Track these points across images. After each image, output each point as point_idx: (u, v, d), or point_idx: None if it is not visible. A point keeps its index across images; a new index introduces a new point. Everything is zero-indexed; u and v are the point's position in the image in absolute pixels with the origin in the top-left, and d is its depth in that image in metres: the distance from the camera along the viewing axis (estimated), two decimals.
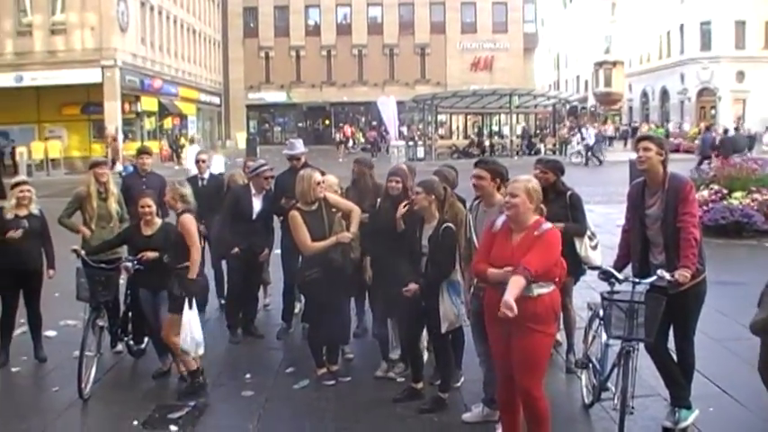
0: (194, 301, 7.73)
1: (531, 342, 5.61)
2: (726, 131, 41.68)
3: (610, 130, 65.42)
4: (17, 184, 8.89)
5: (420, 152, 47.62)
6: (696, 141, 41.77)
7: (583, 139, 44.46)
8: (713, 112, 69.24)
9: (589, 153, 42.62)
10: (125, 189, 10.29)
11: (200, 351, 7.75)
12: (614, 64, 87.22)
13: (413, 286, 7.07)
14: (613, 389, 6.42)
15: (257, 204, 9.49)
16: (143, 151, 11.11)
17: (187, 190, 8.08)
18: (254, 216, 9.46)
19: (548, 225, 5.71)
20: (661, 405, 6.94)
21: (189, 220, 7.79)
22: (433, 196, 7.06)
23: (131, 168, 14.23)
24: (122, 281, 8.80)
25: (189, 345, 7.62)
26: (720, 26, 67.61)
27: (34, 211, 8.83)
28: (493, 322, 5.82)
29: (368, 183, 9.11)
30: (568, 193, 8.05)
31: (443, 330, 7.05)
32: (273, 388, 7.97)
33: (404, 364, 8.10)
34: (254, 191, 9.53)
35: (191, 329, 7.60)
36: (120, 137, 43.00)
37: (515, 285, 5.32)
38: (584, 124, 50.28)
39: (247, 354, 8.27)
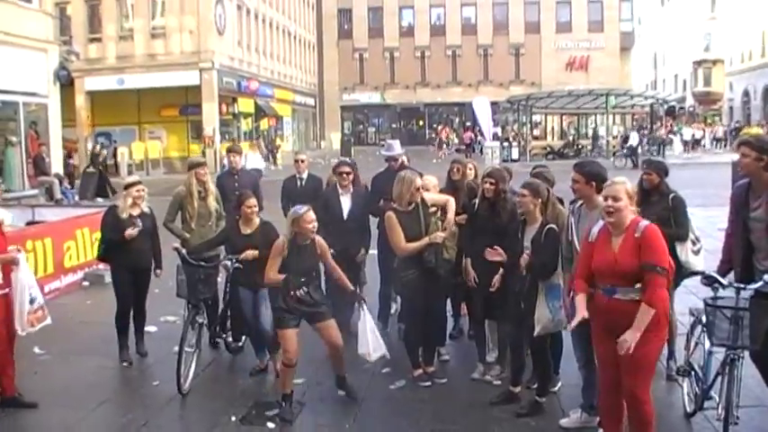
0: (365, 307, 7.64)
1: (642, 345, 5.47)
2: None
3: (720, 131, 63.53)
4: (132, 184, 9.08)
5: (514, 153, 47.30)
6: None
7: (626, 142, 44.05)
8: None
9: (633, 156, 41.86)
10: (219, 188, 10.42)
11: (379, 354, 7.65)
12: (714, 62, 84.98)
13: (494, 252, 7.12)
14: (717, 398, 6.22)
15: (346, 204, 9.52)
16: (232, 150, 11.28)
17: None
18: (345, 216, 9.48)
19: (645, 222, 5.62)
20: (767, 416, 6.72)
21: (321, 241, 7.65)
22: (539, 199, 7.01)
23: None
24: (221, 279, 8.94)
25: (384, 349, 7.62)
26: None
27: (146, 209, 9.06)
28: (600, 326, 5.73)
29: (464, 183, 9.09)
30: (671, 195, 7.86)
31: (536, 333, 6.96)
32: (369, 388, 8.00)
33: (500, 366, 8.04)
34: (341, 191, 9.56)
35: (375, 335, 7.57)
36: (218, 138, 43.79)
37: (643, 320, 5.36)
38: (634, 128, 49.18)
39: (344, 353, 8.25)
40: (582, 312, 5.66)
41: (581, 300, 5.74)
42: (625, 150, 43.66)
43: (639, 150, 43.48)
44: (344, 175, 9.53)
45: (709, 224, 13.77)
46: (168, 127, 45.60)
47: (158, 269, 9.13)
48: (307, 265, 7.42)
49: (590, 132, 56.22)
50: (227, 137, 46.22)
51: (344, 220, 9.45)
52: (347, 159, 9.96)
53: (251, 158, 31.30)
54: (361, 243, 9.74)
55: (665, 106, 60.64)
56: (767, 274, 5.83)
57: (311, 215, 7.34)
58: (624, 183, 5.71)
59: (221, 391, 8.02)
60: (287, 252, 7.35)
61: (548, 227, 6.92)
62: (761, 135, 8.72)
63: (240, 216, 8.42)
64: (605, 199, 5.67)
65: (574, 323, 5.75)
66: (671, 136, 53.79)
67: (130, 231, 8.69)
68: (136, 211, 8.92)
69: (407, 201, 7.85)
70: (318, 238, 7.54)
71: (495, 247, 7.25)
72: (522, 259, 7.05)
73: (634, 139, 43.32)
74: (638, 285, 5.48)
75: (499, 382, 7.85)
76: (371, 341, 7.41)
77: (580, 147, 51.03)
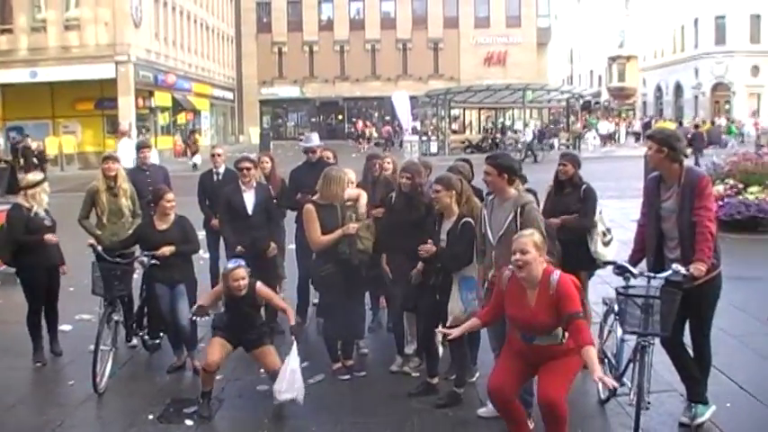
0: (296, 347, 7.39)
1: (563, 368, 5.61)
2: (697, 126, 43.04)
3: (637, 125, 64.82)
4: (41, 182, 8.85)
5: (433, 147, 47.63)
6: None
7: (521, 135, 45.11)
8: (727, 106, 69.15)
9: (528, 150, 42.75)
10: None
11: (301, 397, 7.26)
12: (628, 58, 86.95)
13: (428, 246, 7.12)
14: (629, 384, 6.41)
15: (250, 199, 9.25)
16: (142, 145, 11.14)
17: None
18: (250, 212, 9.23)
19: (556, 275, 5.62)
20: (677, 401, 6.91)
21: (264, 287, 7.51)
22: (453, 192, 7.07)
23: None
24: (137, 275, 8.82)
25: (300, 394, 7.19)
26: (735, 20, 67.50)
27: (46, 206, 8.81)
28: (514, 331, 5.85)
29: (380, 178, 9.15)
30: (583, 186, 8.07)
31: (448, 324, 7.01)
32: None
33: (419, 358, 8.09)
34: (243, 187, 9.31)
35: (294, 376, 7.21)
36: (134, 132, 43.07)
37: (593, 359, 5.37)
38: (528, 123, 50.31)
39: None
40: (464, 329, 6.17)
41: (473, 323, 6.19)
42: (519, 145, 44.33)
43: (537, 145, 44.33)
44: (245, 171, 9.26)
45: (622, 215, 14.11)
46: (83, 121, 44.67)
47: (62, 265, 8.91)
48: (247, 314, 7.35)
49: (515, 126, 56.81)
50: (143, 131, 45.52)
51: (249, 215, 9.20)
52: (259, 154, 9.84)
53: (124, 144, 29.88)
54: (268, 237, 9.46)
55: (581, 101, 61.81)
56: (676, 263, 6.00)
57: (239, 273, 7.20)
58: (532, 234, 5.71)
59: (138, 389, 7.91)
60: (224, 298, 7.35)
61: (464, 220, 6.99)
62: (664, 128, 8.99)
63: (155, 211, 8.31)
64: (513, 253, 5.65)
65: (454, 335, 6.14)
66: (585, 130, 54.81)
67: (50, 237, 8.50)
68: (42, 209, 8.69)
69: (339, 200, 7.87)
70: (259, 286, 7.40)
71: (429, 241, 7.28)
72: (423, 248, 7.13)
73: (528, 135, 44.07)
74: (554, 332, 5.58)
75: (418, 374, 7.90)
76: (287, 381, 7.10)
77: (497, 140, 51.61)
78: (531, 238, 5.63)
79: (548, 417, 5.54)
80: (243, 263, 7.34)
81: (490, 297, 6.32)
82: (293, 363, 7.14)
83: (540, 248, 5.61)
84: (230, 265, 7.32)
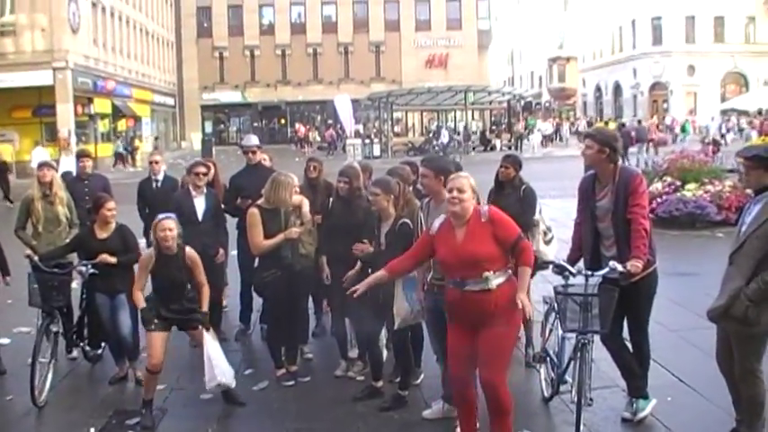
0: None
1: (497, 334, 5.65)
2: (622, 125, 44.40)
3: (582, 124, 65.37)
4: None
5: (376, 150, 47.70)
6: None
7: (437, 139, 45.44)
8: (665, 105, 70.47)
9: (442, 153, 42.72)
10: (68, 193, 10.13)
11: (230, 380, 7.42)
12: (568, 59, 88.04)
13: (362, 246, 7.17)
14: (571, 381, 6.46)
15: (200, 205, 9.22)
16: (83, 154, 11.01)
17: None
18: (201, 218, 9.18)
19: (485, 207, 5.87)
20: (620, 396, 7.01)
21: (195, 255, 7.53)
22: (391, 195, 7.08)
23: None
24: (76, 285, 8.68)
25: (227, 378, 7.33)
26: (671, 21, 68.87)
27: None
28: (454, 318, 5.87)
29: (320, 182, 9.14)
30: (523, 187, 8.15)
31: (396, 326, 7.05)
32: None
33: (363, 362, 8.11)
34: (194, 193, 9.29)
35: (219, 362, 7.30)
36: (74, 139, 42.49)
37: (526, 280, 5.67)
38: (441, 126, 50.74)
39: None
40: (364, 286, 6.26)
41: (377, 276, 6.25)
42: (436, 148, 44.50)
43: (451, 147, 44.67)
44: (200, 176, 9.25)
45: (564, 214, 14.21)
46: (21, 129, 43.69)
47: (7, 276, 8.73)
48: (175, 277, 7.29)
49: (457, 128, 57.03)
50: (83, 139, 44.88)
51: (200, 221, 9.13)
52: (203, 159, 9.76)
53: (64, 162, 29.85)
54: (217, 243, 9.46)
55: (522, 102, 62.37)
56: (613, 261, 6.07)
57: (167, 223, 7.21)
58: (468, 176, 5.88)
59: (80, 401, 7.78)
60: (154, 261, 7.24)
61: (401, 221, 7.00)
62: (604, 128, 9.13)
63: (96, 220, 8.19)
64: (450, 191, 5.79)
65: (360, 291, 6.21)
66: (526, 131, 55.31)
67: None
68: None
69: (287, 205, 7.84)
70: (189, 251, 7.41)
71: (364, 241, 7.28)
72: (356, 247, 7.19)
73: (444, 137, 44.29)
74: (485, 275, 5.61)
75: (362, 378, 7.91)
76: (208, 369, 7.18)
77: (441, 142, 51.84)
78: (468, 180, 5.82)
79: (491, 401, 5.71)
80: (173, 216, 7.39)
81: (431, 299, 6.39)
82: (210, 350, 7.20)
83: (474, 192, 5.80)
84: (159, 216, 7.33)
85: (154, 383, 7.20)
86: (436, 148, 45.07)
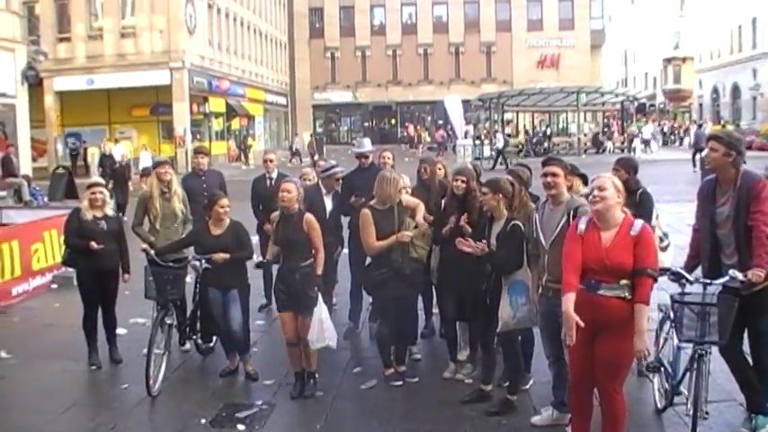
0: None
1: (621, 344, 5.48)
2: (700, 126, 46.69)
3: (707, 127, 63.74)
4: (90, 186, 9.01)
5: (486, 151, 47.36)
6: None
7: (492, 144, 44.58)
8: None
9: (500, 158, 41.88)
10: (185, 189, 10.38)
11: (334, 343, 7.80)
12: (683, 60, 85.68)
13: (480, 245, 7.07)
14: (686, 393, 6.24)
15: (329, 204, 9.48)
16: (198, 151, 11.20)
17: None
18: (327, 215, 9.41)
19: (640, 222, 5.61)
20: (737, 411, 6.76)
21: (313, 219, 7.85)
22: (500, 195, 6.98)
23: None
24: (190, 279, 8.87)
25: (333, 341, 7.73)
26: None
27: (109, 212, 8.94)
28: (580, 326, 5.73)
29: (434, 182, 9.08)
30: (639, 191, 7.91)
31: (498, 331, 6.98)
32: (341, 387, 7.98)
33: (471, 365, 8.05)
34: (324, 190, 9.52)
35: (327, 324, 7.69)
36: (189, 137, 43.58)
37: (643, 320, 5.40)
38: (497, 130, 49.55)
39: (316, 353, 8.26)
40: (571, 316, 5.44)
41: (569, 300, 5.50)
42: (493, 153, 43.68)
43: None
44: (339, 181, 9.63)
45: (678, 220, 13.85)
46: (139, 127, 45.33)
47: (126, 273, 9.00)
48: (292, 236, 7.65)
49: (568, 129, 56.26)
50: (198, 137, 46.00)
51: (326, 219, 9.32)
52: (334, 166, 9.93)
53: (143, 157, 30.94)
54: (338, 241, 9.75)
55: (636, 103, 61.03)
56: (733, 269, 5.85)
57: (287, 186, 7.77)
58: (612, 177, 5.76)
59: (191, 393, 7.94)
60: (277, 221, 7.77)
61: (512, 223, 6.90)
62: (730, 131, 8.80)
63: (210, 216, 8.35)
64: (591, 190, 5.67)
65: (568, 332, 5.49)
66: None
67: (94, 245, 8.54)
68: (99, 214, 8.80)
69: (393, 201, 7.86)
70: (308, 215, 7.82)
71: (467, 238, 7.21)
72: (468, 245, 7.08)
73: (500, 142, 43.54)
74: (623, 282, 5.46)
75: (471, 381, 7.84)
76: (316, 331, 7.53)
77: (552, 145, 51.24)
78: (610, 179, 5.69)
79: (606, 408, 5.68)
80: (297, 180, 8.03)
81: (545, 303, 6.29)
82: (322, 313, 7.55)
83: (619, 191, 5.61)
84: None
85: (297, 354, 7.82)
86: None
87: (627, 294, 5.45)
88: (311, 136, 55.40)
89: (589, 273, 5.59)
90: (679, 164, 38.27)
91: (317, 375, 7.86)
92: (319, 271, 7.74)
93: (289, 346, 7.80)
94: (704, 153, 6.45)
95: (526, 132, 57.09)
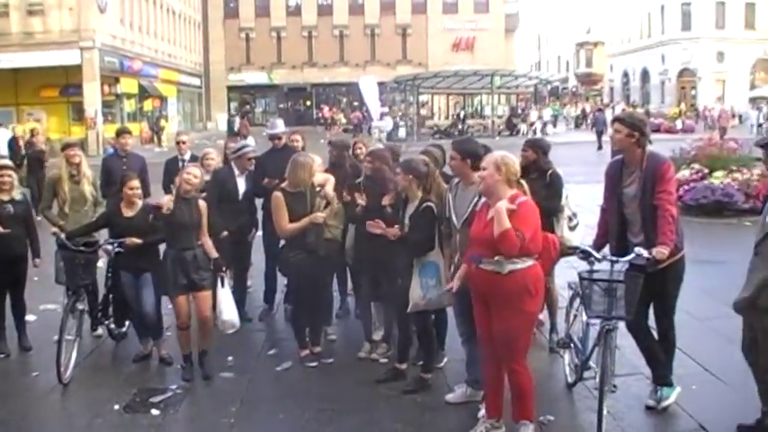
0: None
1: (507, 320, 5.71)
2: (600, 109, 50.56)
3: (618, 109, 65.01)
4: None
5: (402, 133, 47.57)
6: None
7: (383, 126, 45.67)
8: (693, 92, 69.79)
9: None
10: (106, 171, 10.21)
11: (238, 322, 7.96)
12: (595, 44, 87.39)
13: (392, 230, 7.10)
14: (595, 368, 6.42)
15: (242, 185, 9.39)
16: (123, 131, 10.96)
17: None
18: (240, 197, 9.36)
19: (522, 198, 5.74)
20: (644, 384, 6.96)
21: (205, 205, 7.85)
22: (411, 176, 7.02)
23: (111, 150, 14.06)
24: (102, 263, 8.73)
25: (235, 319, 7.91)
26: (701, 7, 68.17)
27: (17, 196, 8.66)
28: (475, 297, 5.96)
29: (345, 164, 9.10)
30: (549, 171, 8.07)
31: (408, 311, 7.05)
32: (256, 370, 7.97)
33: (387, 344, 8.12)
34: (237, 171, 9.44)
35: (230, 305, 7.85)
36: (100, 119, 42.69)
37: (501, 218, 5.54)
38: (386, 114, 50.51)
39: (230, 336, 8.20)
40: (454, 282, 6.20)
41: (462, 269, 6.09)
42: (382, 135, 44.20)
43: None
44: (251, 161, 9.50)
45: (590, 200, 14.11)
46: (48, 108, 44.11)
47: (36, 258, 8.76)
48: (183, 224, 7.63)
49: (483, 111, 56.90)
50: (109, 118, 45.07)
51: (239, 201, 9.32)
52: (251, 146, 9.90)
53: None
54: (252, 223, 9.71)
55: (549, 87, 62.01)
56: (639, 247, 6.03)
57: (194, 170, 7.85)
58: (498, 155, 5.90)
59: (104, 379, 7.83)
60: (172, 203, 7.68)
61: (425, 204, 6.96)
62: (633, 112, 9.04)
63: (123, 198, 8.22)
64: (482, 169, 5.85)
65: (448, 288, 6.16)
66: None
67: (0, 230, 8.29)
68: (6, 197, 8.50)
69: (306, 185, 7.84)
70: (202, 201, 7.81)
71: (377, 220, 7.24)
72: (379, 227, 7.13)
73: (389, 124, 44.21)
74: (498, 258, 5.62)
75: (386, 360, 7.89)
76: (220, 308, 7.80)
77: (467, 126, 51.77)
78: (492, 157, 5.87)
79: (511, 383, 5.93)
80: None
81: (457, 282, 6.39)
82: (222, 293, 7.82)
83: (499, 170, 5.73)
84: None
85: (188, 338, 7.78)
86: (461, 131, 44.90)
87: (503, 270, 5.63)
88: (242, 116, 54.63)
89: (473, 246, 5.86)
90: (591, 145, 39.09)
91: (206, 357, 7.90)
92: (213, 253, 7.80)
93: (181, 329, 7.77)
94: (609, 134, 6.62)
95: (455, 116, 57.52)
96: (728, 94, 65.92)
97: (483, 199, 5.97)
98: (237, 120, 50.40)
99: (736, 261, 6.61)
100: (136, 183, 8.18)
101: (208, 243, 7.79)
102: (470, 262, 5.89)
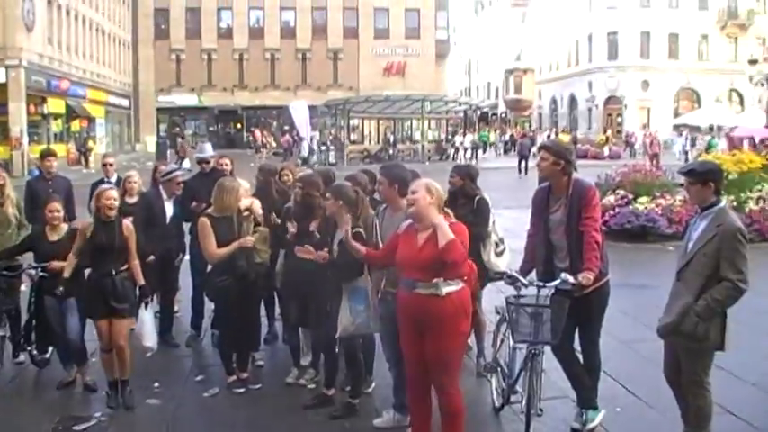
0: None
1: (444, 341, 5.76)
2: (524, 135, 53.03)
3: (544, 136, 65.80)
4: None
5: (332, 157, 47.61)
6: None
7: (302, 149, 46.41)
8: (620, 119, 71.32)
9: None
10: (31, 193, 10.02)
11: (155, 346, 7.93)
12: (525, 71, 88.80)
13: (322, 254, 7.08)
14: (522, 391, 6.49)
15: (169, 209, 9.32)
16: (48, 153, 10.79)
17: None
18: (168, 221, 9.28)
19: (454, 221, 5.88)
20: (569, 406, 7.04)
21: (131, 226, 7.74)
22: (341, 201, 7.02)
23: (37, 172, 13.83)
24: (25, 288, 8.55)
25: (153, 342, 7.82)
26: (627, 37, 69.84)
27: None
28: (405, 323, 5.94)
29: (272, 190, 9.09)
30: (476, 197, 8.18)
31: (337, 336, 7.03)
32: (183, 396, 7.86)
33: (314, 370, 8.08)
34: (165, 195, 9.35)
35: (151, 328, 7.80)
36: (26, 139, 41.85)
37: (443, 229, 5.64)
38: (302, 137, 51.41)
39: (156, 362, 8.10)
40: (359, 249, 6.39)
41: (358, 248, 6.39)
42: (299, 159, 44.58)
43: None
44: (180, 185, 9.44)
45: (518, 225, 14.30)
46: None
47: None
48: (112, 243, 7.48)
49: (413, 136, 57.12)
50: (35, 138, 44.22)
51: (166, 225, 9.26)
52: (181, 169, 9.82)
53: None
54: (179, 248, 9.64)
55: (479, 112, 62.67)
56: (565, 273, 6.13)
57: (112, 193, 7.62)
58: (428, 181, 5.96)
59: (26, 406, 7.67)
60: (92, 228, 7.51)
61: (354, 230, 6.96)
62: (558, 140, 9.22)
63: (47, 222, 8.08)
64: (411, 193, 5.89)
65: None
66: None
67: None
68: None
69: (232, 211, 7.79)
70: (126, 222, 7.70)
71: (306, 245, 7.22)
72: (308, 253, 7.08)
73: (304, 150, 44.68)
74: (436, 280, 5.68)
75: (313, 386, 7.88)
76: (142, 331, 7.72)
77: (397, 151, 52.02)
78: (423, 182, 5.93)
79: (443, 404, 5.93)
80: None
81: (384, 307, 6.42)
82: (145, 316, 7.72)
83: (431, 193, 5.82)
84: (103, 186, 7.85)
85: (111, 362, 7.58)
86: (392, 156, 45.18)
87: (441, 292, 5.70)
88: (182, 138, 54.26)
89: (406, 271, 5.87)
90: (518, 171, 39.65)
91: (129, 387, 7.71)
92: (141, 279, 7.68)
93: (103, 352, 7.63)
94: (536, 161, 6.73)
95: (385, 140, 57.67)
96: (653, 120, 67.45)
97: (405, 223, 6.02)
98: (179, 140, 50.25)
99: (659, 285, 6.78)
100: (56, 205, 8.04)
101: (136, 267, 7.66)
102: (403, 288, 5.91)
